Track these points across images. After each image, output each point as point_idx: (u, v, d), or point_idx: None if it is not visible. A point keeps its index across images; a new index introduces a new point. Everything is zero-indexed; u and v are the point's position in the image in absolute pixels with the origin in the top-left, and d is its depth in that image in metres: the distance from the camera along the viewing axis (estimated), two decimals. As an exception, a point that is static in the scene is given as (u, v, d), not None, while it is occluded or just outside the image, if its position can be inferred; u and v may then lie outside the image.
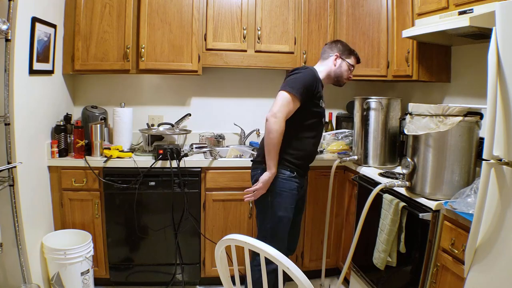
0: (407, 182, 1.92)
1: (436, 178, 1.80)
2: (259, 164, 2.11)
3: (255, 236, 2.05)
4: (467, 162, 1.77)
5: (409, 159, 1.91)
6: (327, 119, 3.25)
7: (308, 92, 2.01)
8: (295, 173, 2.08)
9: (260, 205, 2.11)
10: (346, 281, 2.65)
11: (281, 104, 1.96)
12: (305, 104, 2.02)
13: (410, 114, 1.90)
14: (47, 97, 2.47)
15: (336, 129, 3.23)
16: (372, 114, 2.43)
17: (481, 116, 1.74)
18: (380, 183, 1.99)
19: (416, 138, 1.88)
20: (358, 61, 2.27)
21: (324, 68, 2.21)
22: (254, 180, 2.11)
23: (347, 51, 2.22)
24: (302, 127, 2.08)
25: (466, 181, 1.77)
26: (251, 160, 2.24)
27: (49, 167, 2.46)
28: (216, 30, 2.76)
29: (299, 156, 2.09)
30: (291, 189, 2.06)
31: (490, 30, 1.34)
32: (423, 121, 1.80)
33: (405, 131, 1.93)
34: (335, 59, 2.20)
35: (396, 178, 2.14)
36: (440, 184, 1.79)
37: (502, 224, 1.33)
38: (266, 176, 2.01)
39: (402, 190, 1.96)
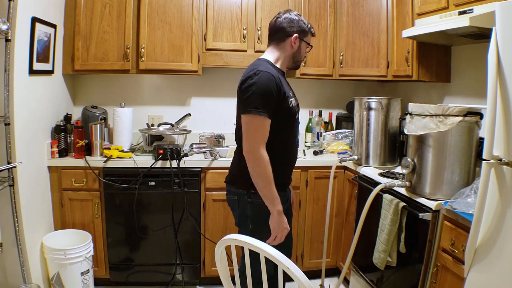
0: (407, 182, 1.92)
1: (436, 178, 1.80)
2: (231, 186, 1.82)
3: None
4: (467, 162, 1.77)
5: (409, 159, 1.91)
6: (326, 119, 3.25)
7: (274, 101, 1.64)
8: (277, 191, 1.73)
9: (242, 229, 1.82)
10: (346, 281, 2.65)
11: (251, 134, 1.62)
12: (276, 114, 1.66)
13: (410, 114, 1.90)
14: (47, 97, 2.47)
15: (336, 129, 3.22)
16: (372, 114, 2.43)
17: (481, 116, 1.73)
18: (380, 183, 1.98)
19: (416, 138, 1.88)
20: (313, 35, 1.89)
21: (281, 53, 1.79)
22: (232, 207, 1.86)
23: (306, 28, 1.80)
24: (277, 138, 1.71)
25: (466, 181, 1.77)
26: (225, 182, 1.89)
27: (49, 167, 2.46)
28: (216, 30, 2.75)
29: (280, 168, 1.74)
30: None
31: (490, 30, 1.34)
32: (423, 121, 1.80)
33: (405, 131, 1.93)
34: (294, 41, 1.77)
35: (396, 178, 2.14)
36: (440, 184, 1.79)
37: (502, 224, 1.33)
38: (275, 221, 1.66)
39: (402, 190, 1.97)
